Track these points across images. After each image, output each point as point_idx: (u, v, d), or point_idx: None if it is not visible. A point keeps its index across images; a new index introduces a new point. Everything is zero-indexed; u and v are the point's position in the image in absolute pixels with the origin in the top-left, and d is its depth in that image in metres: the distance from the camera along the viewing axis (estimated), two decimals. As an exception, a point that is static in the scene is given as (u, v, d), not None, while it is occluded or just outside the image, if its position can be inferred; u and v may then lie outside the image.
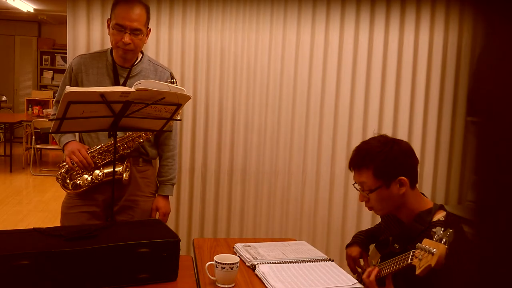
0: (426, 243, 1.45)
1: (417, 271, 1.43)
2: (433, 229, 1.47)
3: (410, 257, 1.51)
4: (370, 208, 1.78)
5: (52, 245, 1.55)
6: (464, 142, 3.15)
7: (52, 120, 2.31)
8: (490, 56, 0.44)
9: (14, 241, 1.60)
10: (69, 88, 1.77)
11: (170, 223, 2.97)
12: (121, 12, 2.16)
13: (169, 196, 2.43)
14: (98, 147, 2.22)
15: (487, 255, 0.45)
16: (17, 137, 9.08)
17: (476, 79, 0.46)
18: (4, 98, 10.28)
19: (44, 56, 10.56)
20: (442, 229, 1.44)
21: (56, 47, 10.56)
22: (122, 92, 1.85)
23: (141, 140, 2.25)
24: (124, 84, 2.25)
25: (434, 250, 1.40)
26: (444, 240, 1.41)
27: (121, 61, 2.27)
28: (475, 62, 3.06)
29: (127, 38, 2.15)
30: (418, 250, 1.46)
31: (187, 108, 2.95)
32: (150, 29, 2.28)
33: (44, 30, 10.78)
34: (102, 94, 1.81)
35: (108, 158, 2.22)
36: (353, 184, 1.81)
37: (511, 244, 0.43)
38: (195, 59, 2.96)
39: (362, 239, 2.06)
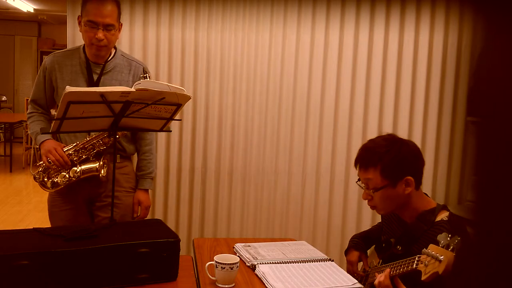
0: (432, 249, 1.43)
1: (423, 277, 1.42)
2: (439, 235, 1.44)
3: (415, 262, 1.49)
4: (373, 207, 1.77)
5: (52, 245, 1.55)
6: (464, 142, 3.15)
7: (29, 118, 2.34)
8: (490, 56, 0.44)
9: (14, 241, 1.60)
10: (69, 88, 1.77)
11: (170, 223, 2.98)
12: (92, 8, 2.16)
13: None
14: (74, 145, 2.21)
15: (487, 255, 0.45)
16: (17, 137, 9.08)
17: (476, 79, 0.46)
18: (4, 98, 10.28)
19: (44, 56, 10.53)
20: (449, 235, 1.41)
21: (56, 47, 10.55)
22: (122, 92, 1.85)
23: (117, 136, 2.25)
24: (98, 81, 2.25)
25: (442, 257, 1.38)
26: (451, 247, 1.39)
27: (94, 58, 2.26)
28: (475, 62, 3.06)
29: (100, 34, 2.15)
30: (424, 256, 1.44)
31: (187, 108, 2.95)
32: (121, 24, 2.28)
33: (44, 30, 10.79)
34: (102, 94, 1.81)
35: (85, 155, 2.22)
36: (357, 182, 1.80)
37: (511, 244, 0.43)
38: (195, 59, 2.96)
39: (358, 242, 2.06)
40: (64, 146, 2.21)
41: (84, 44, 2.28)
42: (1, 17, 9.85)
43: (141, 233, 1.71)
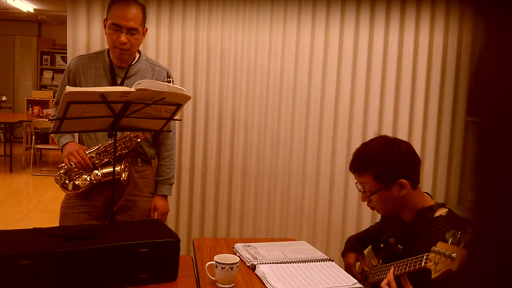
0: (441, 246, 1.41)
1: (433, 275, 1.40)
2: (447, 233, 1.43)
3: (423, 260, 1.47)
4: (372, 208, 1.79)
5: (52, 245, 1.55)
6: (464, 142, 3.15)
7: (51, 120, 2.33)
8: (490, 56, 0.44)
9: (14, 241, 1.59)
10: (69, 88, 1.77)
11: (170, 223, 2.98)
12: (117, 11, 2.17)
13: (169, 196, 2.43)
14: (96, 148, 2.22)
15: (487, 255, 0.45)
16: (17, 137, 9.09)
17: (476, 79, 0.46)
18: (4, 98, 10.28)
19: (44, 56, 10.56)
20: (459, 232, 1.40)
21: (56, 47, 10.56)
22: (122, 92, 1.85)
23: (139, 140, 2.25)
24: (121, 84, 2.26)
25: (454, 254, 1.35)
26: (462, 243, 1.37)
27: (118, 62, 2.27)
28: (475, 62, 3.06)
29: (123, 38, 2.16)
30: (433, 254, 1.43)
31: (187, 108, 2.95)
32: (146, 29, 2.29)
33: (44, 30, 10.78)
34: (102, 94, 1.81)
35: (107, 158, 2.22)
36: (356, 184, 1.82)
37: (511, 244, 0.43)
38: (195, 59, 2.96)
39: (353, 244, 2.06)
40: (86, 149, 2.21)
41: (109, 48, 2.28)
42: (1, 17, 9.85)
43: (141, 233, 1.71)
